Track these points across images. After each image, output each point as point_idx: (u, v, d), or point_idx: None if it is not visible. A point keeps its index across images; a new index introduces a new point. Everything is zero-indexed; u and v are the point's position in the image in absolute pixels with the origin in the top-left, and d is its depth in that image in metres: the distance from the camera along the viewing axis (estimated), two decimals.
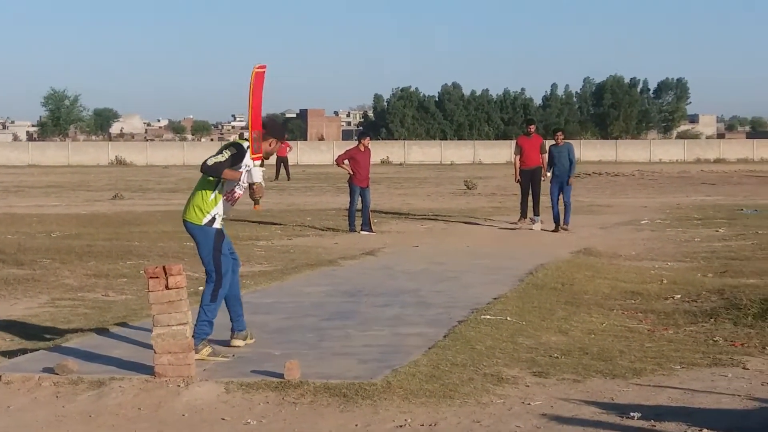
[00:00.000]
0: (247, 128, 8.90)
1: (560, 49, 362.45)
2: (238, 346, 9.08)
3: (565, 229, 22.06)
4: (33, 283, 14.07)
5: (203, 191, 8.78)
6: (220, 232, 8.83)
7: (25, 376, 8.02)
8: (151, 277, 7.87)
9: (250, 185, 8.80)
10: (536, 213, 23.31)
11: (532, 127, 24.57)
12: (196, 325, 8.61)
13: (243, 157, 8.72)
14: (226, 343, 9.12)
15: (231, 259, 9.03)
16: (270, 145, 9.03)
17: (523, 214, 23.77)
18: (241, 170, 8.70)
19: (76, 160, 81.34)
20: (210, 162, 8.64)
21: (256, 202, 9.11)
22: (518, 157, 23.64)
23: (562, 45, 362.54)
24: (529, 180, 23.47)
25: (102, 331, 9.93)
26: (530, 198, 23.45)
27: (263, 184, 8.89)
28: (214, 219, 8.78)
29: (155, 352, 7.85)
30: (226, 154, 8.67)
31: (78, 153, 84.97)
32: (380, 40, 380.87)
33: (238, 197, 8.94)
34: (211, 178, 8.70)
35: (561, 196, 22.40)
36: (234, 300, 9.19)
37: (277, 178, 48.28)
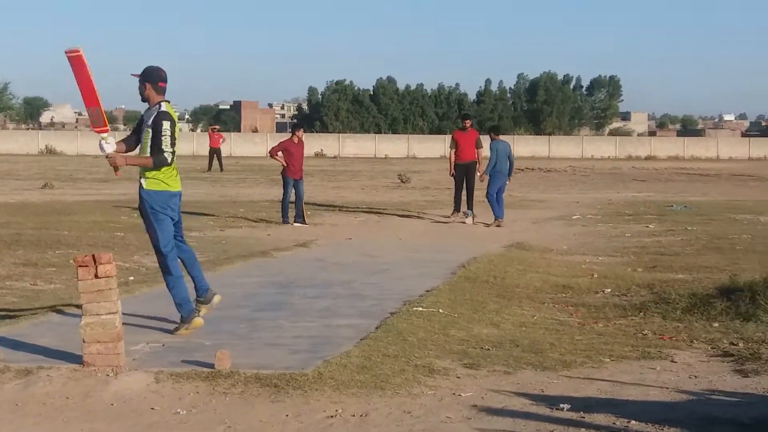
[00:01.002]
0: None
1: (494, 45, 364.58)
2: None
3: (499, 225, 22.15)
4: None
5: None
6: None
7: None
8: (80, 266, 7.77)
9: (107, 157, 9.05)
10: (470, 207, 23.41)
11: (468, 122, 24.69)
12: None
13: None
14: (196, 334, 9.18)
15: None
16: (147, 89, 9.17)
17: (457, 208, 23.87)
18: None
19: (4, 149, 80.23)
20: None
21: (116, 170, 9.18)
22: (453, 150, 23.74)
23: (497, 41, 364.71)
24: (463, 174, 23.57)
25: (29, 320, 9.80)
26: (464, 192, 23.55)
27: (112, 153, 9.04)
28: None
29: (84, 341, 7.75)
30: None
31: (7, 141, 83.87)
32: (316, 32, 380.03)
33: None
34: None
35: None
36: None
37: (209, 170, 48.02)
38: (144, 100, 9.17)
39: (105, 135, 8.95)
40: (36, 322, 9.73)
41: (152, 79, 9.13)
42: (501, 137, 24.10)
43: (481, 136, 24.30)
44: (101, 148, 8.99)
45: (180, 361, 8.00)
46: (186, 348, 8.55)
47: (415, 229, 21.58)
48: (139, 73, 9.16)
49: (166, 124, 8.94)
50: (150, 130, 8.97)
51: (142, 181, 9.06)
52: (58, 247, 16.64)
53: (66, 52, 8.71)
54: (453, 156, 23.75)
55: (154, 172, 9.01)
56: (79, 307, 8.00)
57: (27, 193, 31.76)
